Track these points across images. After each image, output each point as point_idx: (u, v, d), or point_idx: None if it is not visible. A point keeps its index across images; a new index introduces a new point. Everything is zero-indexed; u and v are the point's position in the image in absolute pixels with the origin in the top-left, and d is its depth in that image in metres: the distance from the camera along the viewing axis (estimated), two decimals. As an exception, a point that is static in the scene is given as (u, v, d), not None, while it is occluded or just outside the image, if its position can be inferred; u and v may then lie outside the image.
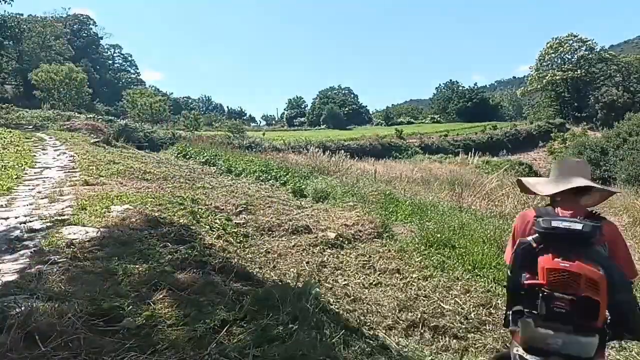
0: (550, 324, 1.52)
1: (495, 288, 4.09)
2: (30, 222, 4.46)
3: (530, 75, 70.56)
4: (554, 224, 1.62)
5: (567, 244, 1.59)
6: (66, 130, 18.53)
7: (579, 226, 1.58)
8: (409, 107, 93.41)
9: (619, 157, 25.39)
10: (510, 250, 1.80)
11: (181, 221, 4.84)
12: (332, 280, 4.24)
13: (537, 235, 1.68)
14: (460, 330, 3.26)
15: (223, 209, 6.68)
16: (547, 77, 64.59)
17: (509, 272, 1.73)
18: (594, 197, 1.91)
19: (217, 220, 5.88)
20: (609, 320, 1.58)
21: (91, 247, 3.64)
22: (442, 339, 3.16)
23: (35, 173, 8.04)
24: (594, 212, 1.81)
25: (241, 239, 5.43)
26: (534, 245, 1.66)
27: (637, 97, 59.32)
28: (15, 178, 7.20)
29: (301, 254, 5.02)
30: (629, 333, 1.62)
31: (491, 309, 3.66)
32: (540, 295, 1.53)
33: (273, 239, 5.59)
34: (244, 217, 6.44)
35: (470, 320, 3.41)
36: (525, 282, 1.62)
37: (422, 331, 3.25)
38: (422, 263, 4.82)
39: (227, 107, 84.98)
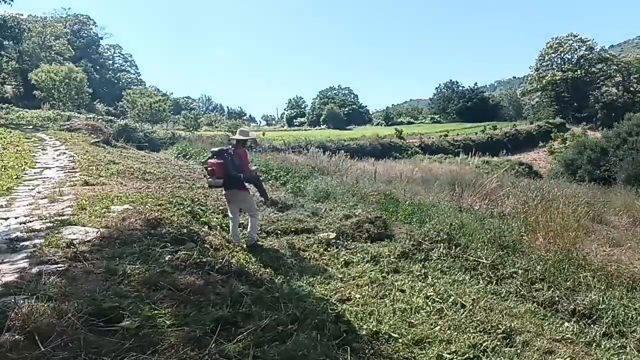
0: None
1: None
2: (30, 222, 4.46)
3: (530, 75, 70.52)
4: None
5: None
6: (66, 130, 18.50)
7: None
8: (409, 107, 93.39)
9: (619, 157, 25.38)
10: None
11: (181, 221, 4.83)
12: (332, 280, 4.24)
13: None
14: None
15: (223, 209, 6.68)
16: (547, 77, 64.56)
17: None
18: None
19: (217, 221, 5.88)
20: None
21: (91, 247, 3.64)
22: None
23: (35, 173, 8.03)
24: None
25: (241, 239, 5.43)
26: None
27: (637, 97, 59.34)
28: (15, 178, 7.19)
29: (302, 254, 5.02)
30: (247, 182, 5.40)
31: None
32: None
33: (273, 239, 5.60)
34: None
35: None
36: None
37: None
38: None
39: (227, 107, 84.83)
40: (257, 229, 5.42)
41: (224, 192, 5.43)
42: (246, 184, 5.35)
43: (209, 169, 5.15)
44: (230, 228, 5.27)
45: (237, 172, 5.13)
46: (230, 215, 5.34)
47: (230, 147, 5.41)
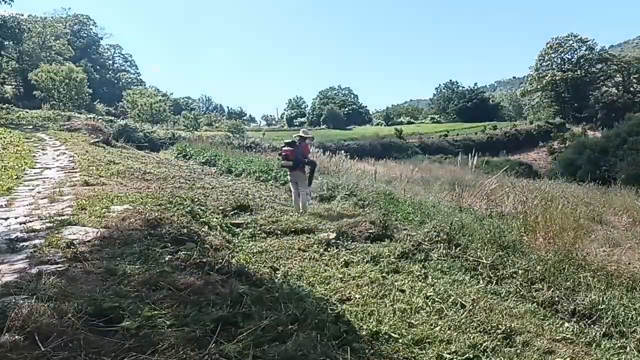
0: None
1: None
2: (30, 222, 4.46)
3: (530, 75, 70.57)
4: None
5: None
6: (66, 131, 18.51)
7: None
8: (409, 107, 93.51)
9: (618, 157, 25.41)
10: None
11: (181, 221, 4.83)
12: (332, 280, 4.24)
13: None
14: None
15: (223, 210, 6.68)
16: (547, 77, 64.61)
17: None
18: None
19: (217, 221, 5.88)
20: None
21: (91, 247, 3.64)
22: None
23: (35, 173, 8.04)
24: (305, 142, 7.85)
25: (241, 239, 5.43)
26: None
27: (637, 97, 59.39)
28: (15, 178, 7.20)
29: (302, 254, 5.02)
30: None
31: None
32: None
33: (273, 239, 5.60)
34: (244, 218, 6.44)
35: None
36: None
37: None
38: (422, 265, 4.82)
39: (227, 107, 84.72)
40: (309, 201, 7.63)
41: (288, 173, 7.84)
42: (305, 168, 7.56)
43: (284, 154, 7.51)
44: (293, 200, 7.60)
45: (302, 157, 7.44)
46: (293, 190, 7.66)
47: (297, 141, 7.56)
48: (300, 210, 7.17)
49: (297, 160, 7.31)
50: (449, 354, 2.92)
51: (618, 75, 63.33)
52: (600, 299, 3.92)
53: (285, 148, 7.46)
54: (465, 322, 3.40)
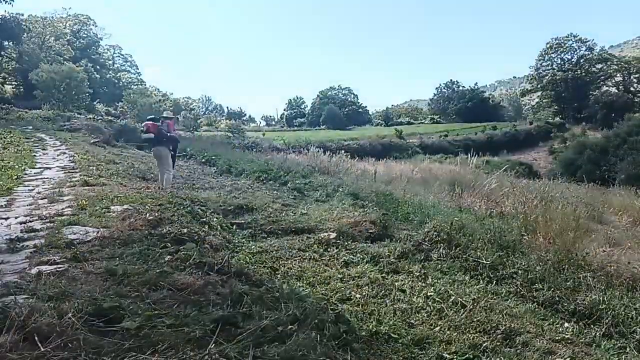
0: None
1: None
2: (30, 222, 4.46)
3: (530, 75, 70.57)
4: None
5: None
6: (66, 131, 18.53)
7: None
8: (409, 107, 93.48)
9: (618, 157, 25.43)
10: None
11: (181, 221, 4.83)
12: (332, 280, 4.24)
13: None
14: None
15: (223, 210, 6.68)
16: (547, 77, 64.64)
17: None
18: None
19: (217, 221, 5.88)
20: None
21: (91, 247, 3.64)
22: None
23: (35, 173, 8.04)
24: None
25: (241, 239, 5.43)
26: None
27: (637, 97, 59.38)
28: (16, 178, 7.20)
29: (302, 254, 5.01)
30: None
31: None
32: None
33: (273, 239, 5.59)
34: (244, 218, 6.44)
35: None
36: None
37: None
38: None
39: (227, 107, 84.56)
40: (172, 182, 8.13)
41: (152, 149, 8.32)
42: (169, 148, 8.05)
43: (145, 127, 7.96)
44: (159, 178, 8.04)
45: (166, 132, 7.97)
46: (158, 169, 8.19)
47: (162, 118, 8.28)
48: (162, 186, 7.62)
49: (160, 134, 7.84)
50: (449, 354, 2.92)
51: (618, 75, 63.28)
52: (600, 299, 3.92)
53: (148, 122, 8.05)
54: (465, 322, 3.40)
